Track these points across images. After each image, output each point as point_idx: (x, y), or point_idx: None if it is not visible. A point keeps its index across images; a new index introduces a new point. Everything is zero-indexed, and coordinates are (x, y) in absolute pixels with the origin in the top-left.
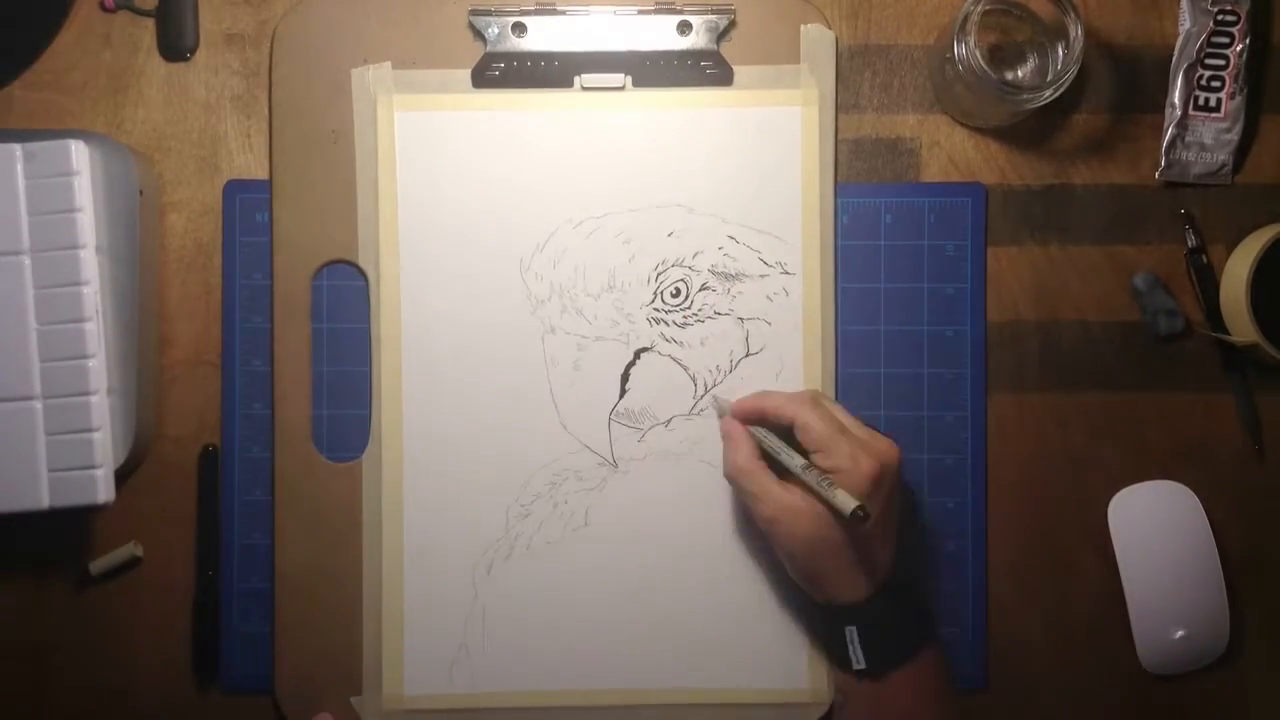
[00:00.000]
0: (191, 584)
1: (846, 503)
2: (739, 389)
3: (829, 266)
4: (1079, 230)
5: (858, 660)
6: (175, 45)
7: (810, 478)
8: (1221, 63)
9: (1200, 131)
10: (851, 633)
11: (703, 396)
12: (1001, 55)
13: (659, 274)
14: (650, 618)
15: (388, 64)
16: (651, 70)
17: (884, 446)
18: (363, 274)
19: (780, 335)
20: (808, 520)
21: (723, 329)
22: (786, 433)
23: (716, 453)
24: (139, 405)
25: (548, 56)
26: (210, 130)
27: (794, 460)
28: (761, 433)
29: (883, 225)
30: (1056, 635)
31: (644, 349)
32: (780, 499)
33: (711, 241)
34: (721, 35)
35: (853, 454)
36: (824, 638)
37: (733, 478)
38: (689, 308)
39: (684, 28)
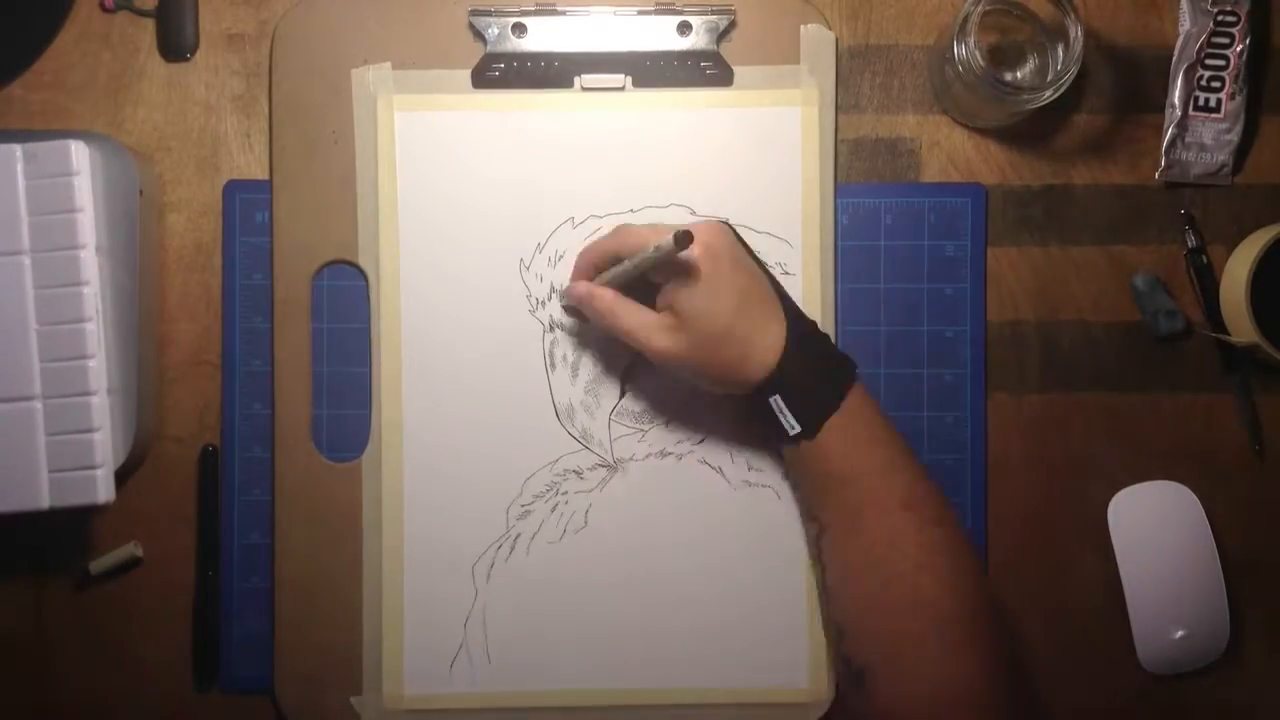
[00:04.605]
0: (191, 584)
1: (666, 238)
2: None
3: (829, 267)
4: (1079, 230)
5: (790, 426)
6: (175, 45)
7: (640, 255)
8: (1221, 63)
9: (1200, 132)
10: (777, 401)
11: None
12: (1001, 55)
13: None
14: (650, 618)
15: (388, 64)
16: (651, 70)
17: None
18: (363, 274)
19: None
20: (675, 329)
21: None
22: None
23: (717, 453)
24: (139, 405)
25: (548, 57)
26: (210, 130)
27: (628, 261)
28: (602, 276)
29: (883, 225)
30: (1056, 635)
31: None
32: (645, 319)
33: None
34: (721, 35)
35: (677, 228)
36: (760, 425)
37: (609, 325)
38: None
39: (684, 28)
